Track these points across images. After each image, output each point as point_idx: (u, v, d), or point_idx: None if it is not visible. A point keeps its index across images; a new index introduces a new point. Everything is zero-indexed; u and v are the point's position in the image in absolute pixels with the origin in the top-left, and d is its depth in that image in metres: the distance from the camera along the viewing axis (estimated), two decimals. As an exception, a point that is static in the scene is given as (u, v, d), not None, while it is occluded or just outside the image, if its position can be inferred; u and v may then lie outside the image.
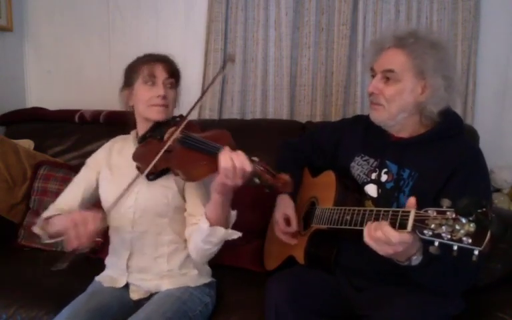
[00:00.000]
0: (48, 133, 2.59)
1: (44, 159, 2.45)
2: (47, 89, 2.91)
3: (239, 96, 2.67)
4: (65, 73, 2.88)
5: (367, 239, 1.28)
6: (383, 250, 1.25)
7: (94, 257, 2.05)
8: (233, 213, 1.53)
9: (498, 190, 2.47)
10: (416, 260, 1.29)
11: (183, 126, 1.55)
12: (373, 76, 1.58)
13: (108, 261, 1.80)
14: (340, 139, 1.78)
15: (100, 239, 2.04)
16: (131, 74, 1.71)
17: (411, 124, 1.57)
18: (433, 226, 1.12)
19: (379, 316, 1.41)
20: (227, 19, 2.61)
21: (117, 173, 1.73)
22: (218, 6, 2.58)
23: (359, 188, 1.64)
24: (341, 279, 1.64)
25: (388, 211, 1.28)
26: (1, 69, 2.72)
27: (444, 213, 1.11)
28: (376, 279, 1.55)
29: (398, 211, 1.25)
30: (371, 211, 1.37)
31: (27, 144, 2.51)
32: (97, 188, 1.75)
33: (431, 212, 1.15)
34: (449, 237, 1.08)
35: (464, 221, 1.07)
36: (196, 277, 1.71)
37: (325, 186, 1.69)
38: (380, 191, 1.58)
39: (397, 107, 1.53)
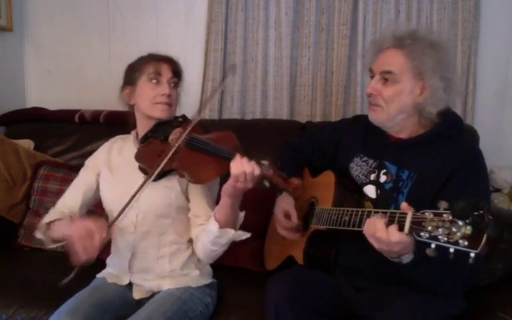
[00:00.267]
0: (48, 133, 2.60)
1: (44, 159, 2.46)
2: (47, 89, 2.91)
3: (239, 96, 2.67)
4: (64, 73, 2.89)
5: (366, 232, 1.29)
6: (379, 245, 1.27)
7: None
8: (241, 215, 1.54)
9: (498, 190, 2.47)
10: (407, 258, 1.30)
11: (190, 128, 1.55)
12: (372, 77, 1.58)
13: (110, 260, 1.80)
14: (340, 139, 1.78)
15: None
16: (133, 72, 1.71)
17: (410, 125, 1.57)
18: (429, 228, 1.12)
19: (380, 316, 1.41)
20: (227, 18, 2.61)
21: (117, 173, 1.72)
22: (218, 6, 2.58)
23: (358, 188, 1.64)
24: (341, 279, 1.63)
25: (386, 213, 1.28)
26: (1, 69, 2.72)
27: (441, 215, 1.12)
28: (376, 279, 1.55)
29: (395, 213, 1.25)
30: (369, 211, 1.37)
31: (26, 144, 2.51)
32: (97, 189, 1.75)
33: (428, 214, 1.15)
34: (446, 239, 1.09)
35: (460, 223, 1.07)
36: (197, 278, 1.71)
37: (324, 186, 1.69)
38: (379, 191, 1.58)
39: (396, 108, 1.52)
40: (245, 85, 2.68)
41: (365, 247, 1.31)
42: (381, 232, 1.25)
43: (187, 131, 1.55)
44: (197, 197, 1.65)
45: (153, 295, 1.68)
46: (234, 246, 1.59)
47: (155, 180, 1.59)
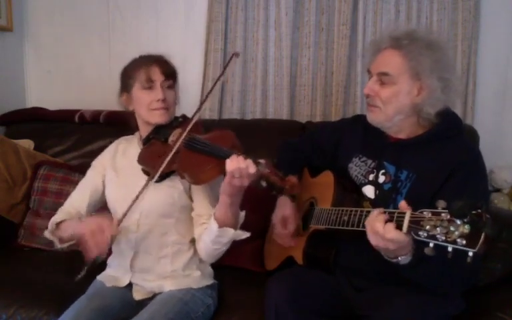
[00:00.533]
0: (48, 133, 2.59)
1: (44, 159, 2.45)
2: (47, 89, 2.91)
3: (239, 96, 2.66)
4: (64, 73, 2.88)
5: (366, 223, 1.30)
6: (376, 241, 1.27)
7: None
8: (242, 214, 1.54)
9: (498, 190, 2.47)
10: (404, 260, 1.30)
11: (187, 130, 1.55)
12: (370, 77, 1.58)
13: (111, 260, 1.80)
14: (340, 139, 1.78)
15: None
16: (127, 79, 1.71)
17: (409, 125, 1.56)
18: (427, 227, 1.12)
19: (379, 316, 1.41)
20: (227, 18, 2.61)
21: (122, 175, 1.73)
22: (218, 6, 2.57)
23: (357, 188, 1.64)
24: (340, 279, 1.64)
25: (384, 212, 1.28)
26: (1, 69, 2.72)
27: (439, 214, 1.12)
28: (376, 279, 1.55)
29: (394, 212, 1.25)
30: (368, 211, 1.37)
31: (26, 144, 2.51)
32: (103, 190, 1.76)
33: (426, 213, 1.15)
34: (444, 238, 1.09)
35: (458, 222, 1.07)
36: (199, 279, 1.71)
37: (323, 186, 1.69)
38: (377, 192, 1.58)
39: (393, 108, 1.52)
40: (245, 84, 2.68)
41: (365, 246, 1.31)
42: (378, 226, 1.25)
43: (185, 133, 1.55)
44: (200, 197, 1.65)
45: (154, 295, 1.68)
46: (234, 246, 1.59)
47: (156, 182, 1.59)
